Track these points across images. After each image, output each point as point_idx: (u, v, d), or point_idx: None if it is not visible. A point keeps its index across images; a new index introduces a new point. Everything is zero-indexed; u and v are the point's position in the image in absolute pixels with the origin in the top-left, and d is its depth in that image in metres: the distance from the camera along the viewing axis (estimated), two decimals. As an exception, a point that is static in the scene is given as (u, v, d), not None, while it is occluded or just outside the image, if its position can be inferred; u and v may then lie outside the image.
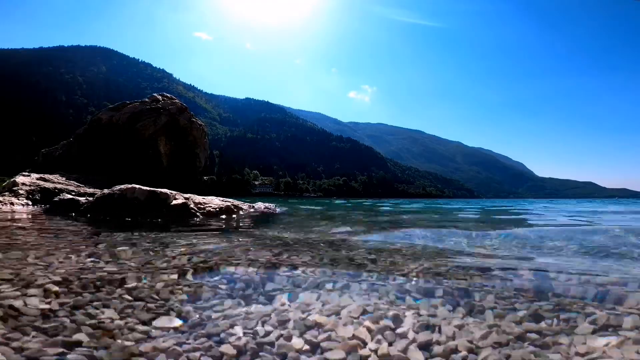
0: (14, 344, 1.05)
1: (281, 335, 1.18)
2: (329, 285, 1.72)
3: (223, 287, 1.68)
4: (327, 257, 2.44)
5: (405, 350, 1.11)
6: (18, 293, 1.43)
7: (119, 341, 1.10)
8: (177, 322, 1.25)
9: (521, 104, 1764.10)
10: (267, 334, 1.19)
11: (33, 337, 1.10)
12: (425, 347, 1.13)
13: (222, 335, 1.17)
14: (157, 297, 1.49)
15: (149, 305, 1.39)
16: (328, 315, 1.33)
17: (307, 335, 1.18)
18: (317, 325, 1.25)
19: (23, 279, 1.63)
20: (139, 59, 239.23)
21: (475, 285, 1.75)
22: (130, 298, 1.46)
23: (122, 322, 1.22)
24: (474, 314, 1.39)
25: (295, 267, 2.08)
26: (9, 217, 4.74)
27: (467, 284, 1.79)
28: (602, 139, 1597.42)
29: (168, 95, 12.28)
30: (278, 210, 7.62)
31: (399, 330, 1.23)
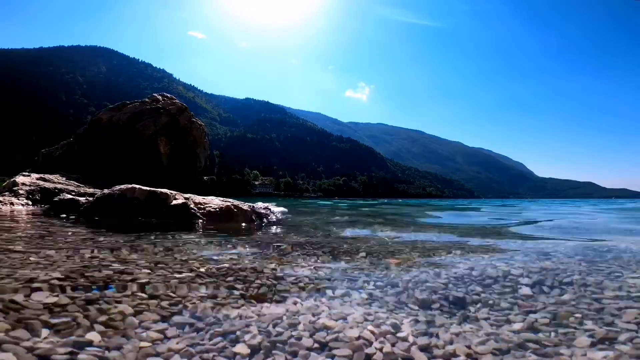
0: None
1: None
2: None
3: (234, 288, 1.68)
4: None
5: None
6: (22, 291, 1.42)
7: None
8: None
9: (521, 104, 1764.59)
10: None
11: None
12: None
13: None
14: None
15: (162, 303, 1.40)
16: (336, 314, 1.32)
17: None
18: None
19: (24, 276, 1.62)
20: (139, 59, 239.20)
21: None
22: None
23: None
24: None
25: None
26: (9, 217, 4.74)
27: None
28: (602, 139, 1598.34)
29: (168, 95, 12.27)
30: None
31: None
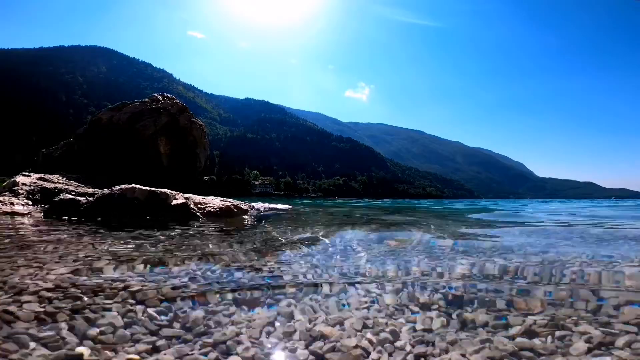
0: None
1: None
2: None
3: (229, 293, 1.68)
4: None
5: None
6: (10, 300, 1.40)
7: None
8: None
9: (521, 104, 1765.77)
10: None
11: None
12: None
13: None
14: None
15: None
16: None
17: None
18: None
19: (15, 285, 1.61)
20: (139, 59, 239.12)
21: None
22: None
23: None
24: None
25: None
26: (9, 217, 4.74)
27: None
28: (602, 139, 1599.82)
29: (168, 95, 12.27)
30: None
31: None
